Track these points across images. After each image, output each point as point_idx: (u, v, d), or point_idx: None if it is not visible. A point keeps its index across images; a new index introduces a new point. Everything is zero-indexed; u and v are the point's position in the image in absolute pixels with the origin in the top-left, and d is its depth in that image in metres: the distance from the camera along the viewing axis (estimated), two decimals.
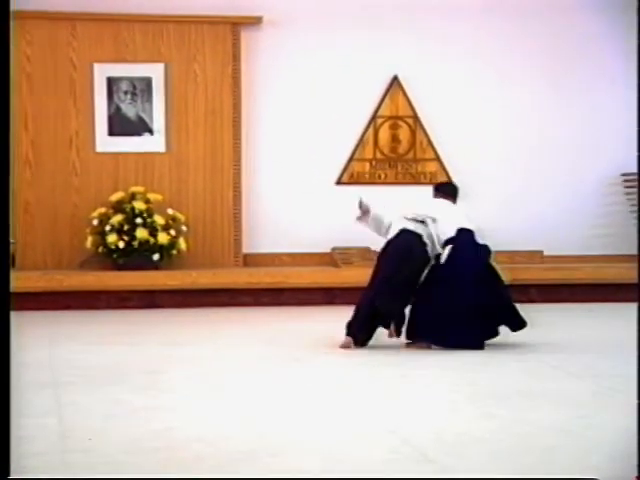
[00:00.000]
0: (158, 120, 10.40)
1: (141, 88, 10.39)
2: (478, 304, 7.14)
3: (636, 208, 10.85)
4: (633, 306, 9.91)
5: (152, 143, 10.38)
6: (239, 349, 7.43)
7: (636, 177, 10.91)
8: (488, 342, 7.27)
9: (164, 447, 4.43)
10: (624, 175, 10.93)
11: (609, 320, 8.86)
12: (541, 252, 10.90)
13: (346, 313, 9.40)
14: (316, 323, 8.84)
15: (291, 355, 7.13)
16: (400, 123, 10.92)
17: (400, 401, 5.65)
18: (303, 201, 10.72)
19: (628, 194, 10.91)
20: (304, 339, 7.85)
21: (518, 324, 7.32)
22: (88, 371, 6.35)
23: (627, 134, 10.85)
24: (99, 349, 7.33)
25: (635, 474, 3.99)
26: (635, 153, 10.83)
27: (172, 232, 10.05)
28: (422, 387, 6.08)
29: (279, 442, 4.59)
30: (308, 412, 5.33)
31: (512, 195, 10.92)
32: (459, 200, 7.76)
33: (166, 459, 4.23)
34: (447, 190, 7.87)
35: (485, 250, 7.42)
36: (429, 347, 7.26)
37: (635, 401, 5.56)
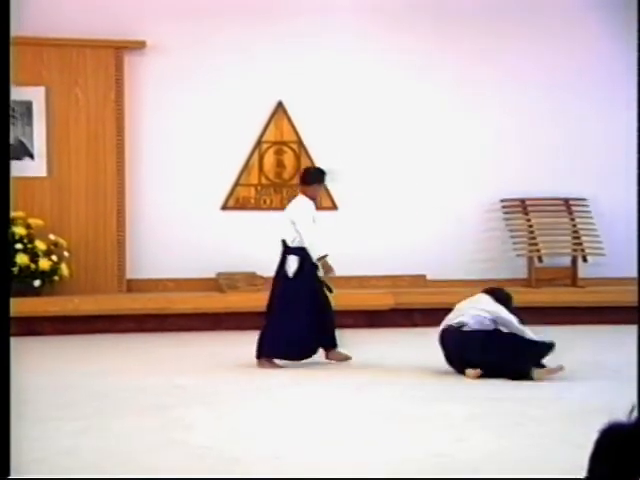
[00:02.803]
0: (39, 144, 10.23)
1: (21, 112, 10.21)
2: None
3: (514, 234, 11.12)
4: None
5: (33, 167, 10.20)
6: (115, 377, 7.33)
7: (514, 203, 11.20)
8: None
9: None
10: (503, 201, 11.18)
11: None
12: (424, 276, 11.06)
13: (232, 338, 9.40)
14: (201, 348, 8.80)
15: (172, 382, 7.08)
16: (285, 148, 10.97)
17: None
18: (188, 226, 10.65)
19: (507, 219, 11.16)
20: (186, 364, 7.81)
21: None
22: None
23: (506, 161, 11.12)
24: None
25: None
26: (513, 180, 11.11)
27: (54, 258, 9.87)
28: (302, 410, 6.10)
29: None
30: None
31: (396, 220, 11.06)
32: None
33: None
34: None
35: None
36: None
37: (506, 423, 5.69)
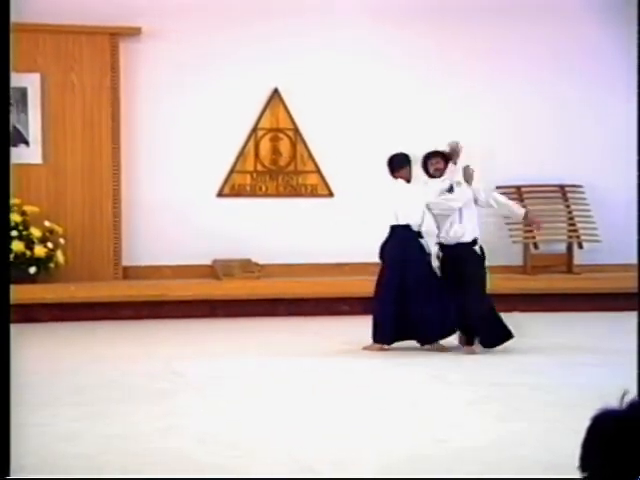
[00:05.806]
0: (34, 131, 10.20)
1: (16, 98, 10.16)
2: None
3: (510, 220, 11.13)
4: (507, 316, 10.17)
5: (28, 154, 10.17)
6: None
7: (510, 190, 11.20)
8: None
9: None
10: (498, 188, 11.16)
11: None
12: None
13: (228, 325, 9.41)
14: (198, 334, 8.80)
15: (169, 369, 7.08)
16: (281, 135, 10.96)
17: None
18: (184, 213, 10.64)
19: None
20: (183, 351, 7.81)
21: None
22: None
23: (501, 148, 11.12)
24: None
25: None
26: (509, 167, 11.12)
27: (49, 245, 9.86)
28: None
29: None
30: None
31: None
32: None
33: None
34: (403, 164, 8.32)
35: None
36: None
37: (508, 409, 5.70)
